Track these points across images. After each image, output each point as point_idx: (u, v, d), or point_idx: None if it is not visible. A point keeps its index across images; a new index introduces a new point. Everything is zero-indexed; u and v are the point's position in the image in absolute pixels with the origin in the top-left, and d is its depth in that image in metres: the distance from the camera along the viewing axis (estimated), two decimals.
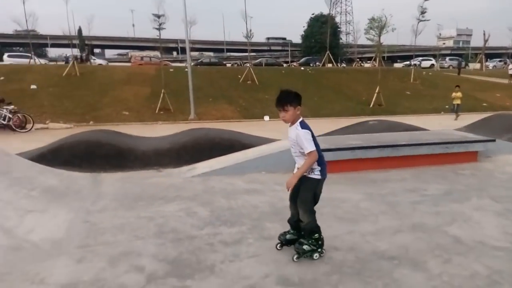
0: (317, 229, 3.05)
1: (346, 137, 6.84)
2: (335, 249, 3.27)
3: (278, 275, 2.85)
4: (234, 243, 3.43)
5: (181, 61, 58.07)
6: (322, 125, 11.63)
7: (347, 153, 5.67)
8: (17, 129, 13.37)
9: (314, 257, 3.03)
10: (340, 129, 9.56)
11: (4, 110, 13.39)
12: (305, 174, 2.96)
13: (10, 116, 13.35)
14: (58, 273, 2.94)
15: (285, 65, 48.52)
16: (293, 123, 2.96)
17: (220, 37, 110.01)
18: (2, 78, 20.06)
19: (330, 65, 38.30)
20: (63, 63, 38.07)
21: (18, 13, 55.72)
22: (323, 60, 38.18)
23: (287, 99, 2.90)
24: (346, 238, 3.50)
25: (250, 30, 28.95)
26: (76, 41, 45.73)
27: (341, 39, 63.12)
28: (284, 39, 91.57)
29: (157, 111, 17.64)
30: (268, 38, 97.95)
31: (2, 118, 13.27)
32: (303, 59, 51.26)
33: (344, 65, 46.47)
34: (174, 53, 75.50)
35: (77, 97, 18.13)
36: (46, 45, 64.83)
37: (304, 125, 2.93)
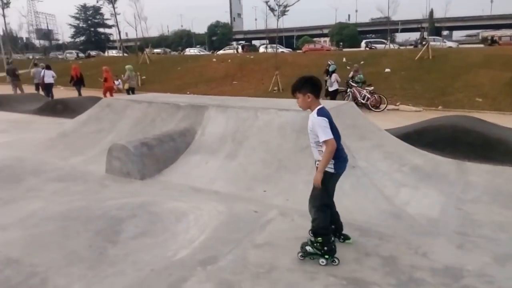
0: (322, 232, 2.84)
1: None
2: None
3: None
4: None
5: None
6: None
7: None
8: (372, 108, 15.06)
9: (320, 263, 2.81)
10: None
11: (365, 91, 15.38)
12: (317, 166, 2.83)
13: (369, 96, 15.19)
14: (439, 252, 3.03)
15: None
16: (311, 110, 2.86)
17: None
18: (362, 62, 23.07)
19: None
20: (412, 47, 39.24)
21: (382, 1, 61.53)
22: None
23: (295, 86, 2.87)
24: None
25: None
26: (425, 24, 45.73)
27: None
28: None
29: None
30: None
31: (362, 97, 15.32)
32: None
33: None
34: None
35: (427, 81, 18.16)
36: (396, 31, 68.72)
37: (321, 112, 2.78)
